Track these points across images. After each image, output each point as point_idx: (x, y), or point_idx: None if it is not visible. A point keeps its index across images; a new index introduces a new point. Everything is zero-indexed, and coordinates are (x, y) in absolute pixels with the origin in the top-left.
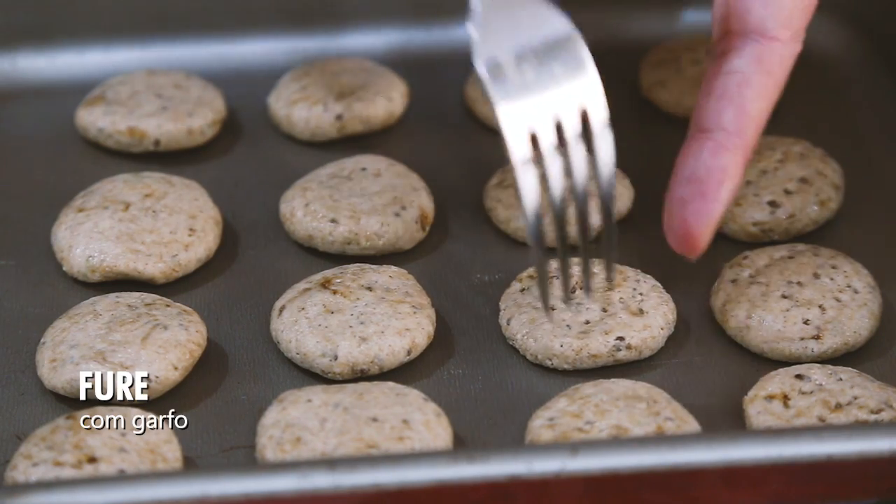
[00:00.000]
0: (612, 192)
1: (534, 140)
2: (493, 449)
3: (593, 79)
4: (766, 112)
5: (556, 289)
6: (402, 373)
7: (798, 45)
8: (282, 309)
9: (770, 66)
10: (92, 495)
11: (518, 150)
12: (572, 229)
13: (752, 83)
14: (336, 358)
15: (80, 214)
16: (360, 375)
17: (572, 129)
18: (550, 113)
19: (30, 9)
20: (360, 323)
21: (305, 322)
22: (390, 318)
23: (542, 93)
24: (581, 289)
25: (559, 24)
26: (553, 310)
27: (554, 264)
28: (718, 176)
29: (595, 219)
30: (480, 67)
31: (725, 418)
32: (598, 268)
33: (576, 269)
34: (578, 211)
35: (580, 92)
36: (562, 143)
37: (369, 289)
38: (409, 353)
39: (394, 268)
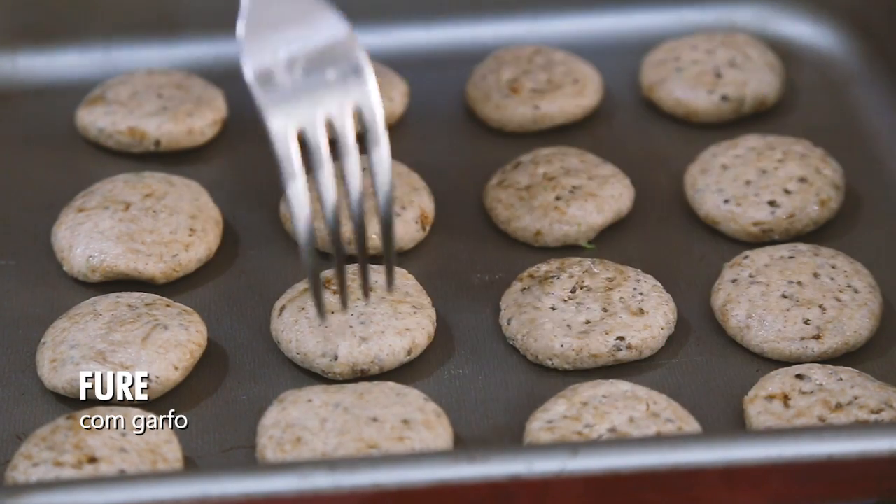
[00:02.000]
0: (389, 195)
1: (307, 148)
2: (494, 449)
3: (370, 82)
4: None
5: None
6: (402, 373)
7: None
8: (282, 309)
9: None
10: (92, 495)
11: (288, 158)
12: (351, 235)
13: None
14: (336, 358)
15: (80, 214)
16: (361, 375)
17: (347, 135)
18: (323, 120)
19: (30, 9)
20: (360, 323)
21: (306, 322)
22: (390, 318)
23: (315, 98)
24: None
25: (334, 24)
26: (331, 313)
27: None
28: None
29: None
30: (248, 73)
31: (725, 418)
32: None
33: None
34: (354, 216)
35: (356, 96)
36: (337, 149)
37: (369, 289)
38: (409, 353)
39: (394, 268)
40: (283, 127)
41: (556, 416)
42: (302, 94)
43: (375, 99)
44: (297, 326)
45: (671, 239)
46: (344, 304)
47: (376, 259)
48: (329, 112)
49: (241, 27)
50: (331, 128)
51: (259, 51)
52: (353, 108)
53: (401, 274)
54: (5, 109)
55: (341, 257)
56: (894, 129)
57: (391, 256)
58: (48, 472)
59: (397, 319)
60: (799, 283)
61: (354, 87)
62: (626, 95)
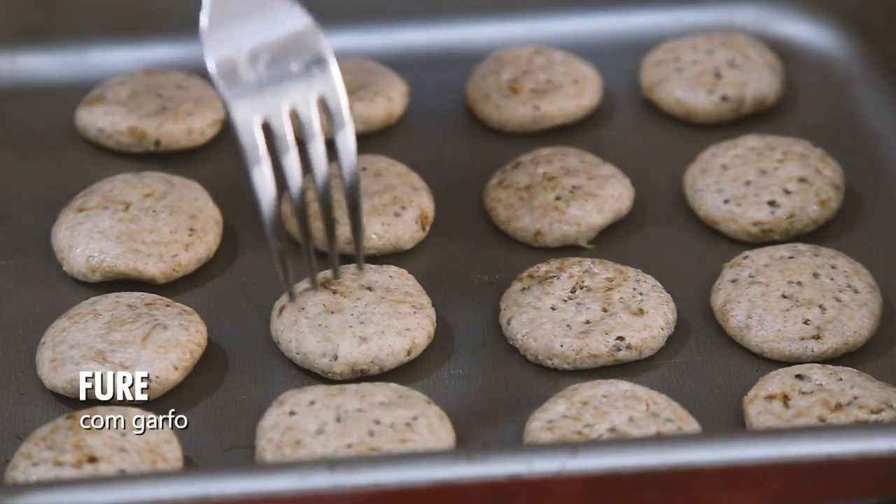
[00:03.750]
0: (355, 182)
1: (272, 138)
2: (493, 449)
3: (333, 71)
4: None
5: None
6: (402, 373)
7: None
8: (282, 309)
9: None
10: (92, 495)
11: (253, 147)
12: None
13: None
14: (336, 358)
15: (80, 214)
16: (361, 376)
17: (312, 123)
18: (288, 110)
19: (30, 9)
20: (360, 323)
21: (305, 322)
22: (390, 318)
23: (279, 90)
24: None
25: (297, 16)
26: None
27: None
28: None
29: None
30: (211, 66)
31: (725, 418)
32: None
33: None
34: (321, 204)
35: (320, 86)
36: (302, 137)
37: (369, 289)
38: (409, 353)
39: (394, 268)
40: (247, 118)
41: (556, 415)
42: (266, 86)
43: (340, 87)
44: (296, 326)
45: (671, 239)
46: (314, 285)
47: (370, 259)
48: (293, 103)
49: (203, 20)
50: (296, 118)
51: (221, 44)
52: (317, 97)
53: (401, 274)
54: (5, 109)
55: (308, 241)
56: (894, 129)
57: (360, 236)
58: (48, 471)
59: (397, 319)
60: (799, 283)
61: (318, 77)
62: (626, 95)
